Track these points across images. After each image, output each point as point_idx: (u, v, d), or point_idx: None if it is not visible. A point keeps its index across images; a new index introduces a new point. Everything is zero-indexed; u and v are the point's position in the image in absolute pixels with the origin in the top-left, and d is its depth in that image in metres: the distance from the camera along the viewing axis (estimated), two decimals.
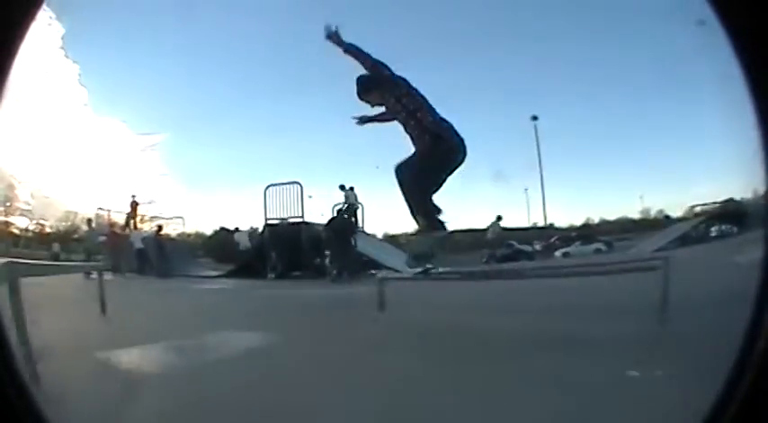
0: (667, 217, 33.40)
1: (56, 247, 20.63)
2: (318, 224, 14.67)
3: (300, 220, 14.77)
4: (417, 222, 4.46)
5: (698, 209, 29.20)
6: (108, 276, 13.69)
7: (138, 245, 16.00)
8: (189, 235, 18.65)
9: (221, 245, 26.22)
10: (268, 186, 15.19)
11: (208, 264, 21.13)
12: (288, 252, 14.06)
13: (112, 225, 17.81)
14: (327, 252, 14.05)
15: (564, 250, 23.21)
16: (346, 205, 14.75)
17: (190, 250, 20.47)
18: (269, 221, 15.13)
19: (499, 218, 19.34)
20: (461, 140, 4.50)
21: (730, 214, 15.88)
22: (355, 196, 14.99)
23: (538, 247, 26.03)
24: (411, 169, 4.49)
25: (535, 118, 26.18)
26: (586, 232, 26.53)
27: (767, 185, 0.94)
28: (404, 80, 4.61)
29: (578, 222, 30.78)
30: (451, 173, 4.66)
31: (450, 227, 4.75)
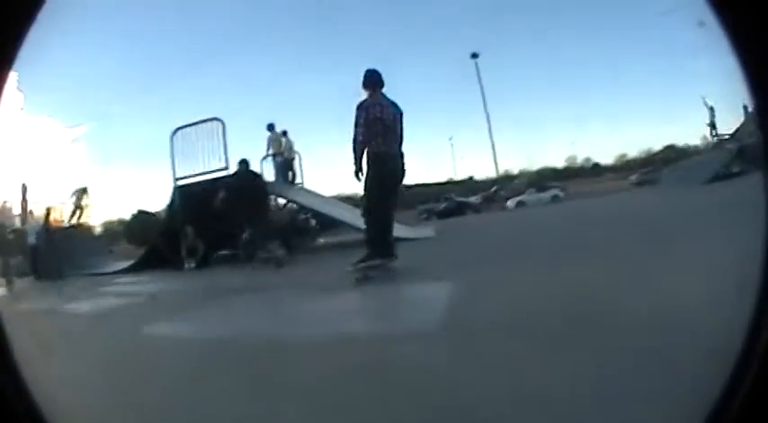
0: (596, 164, 33.17)
1: None
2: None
3: (225, 171, 10.29)
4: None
5: (629, 156, 29.10)
6: None
7: (32, 240, 12.79)
8: (111, 222, 15.35)
9: (140, 230, 23.77)
10: (176, 130, 10.81)
11: (125, 251, 18.05)
12: (210, 224, 9.36)
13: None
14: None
15: (518, 199, 21.58)
16: (273, 153, 11.56)
17: (106, 238, 16.84)
18: (179, 182, 10.68)
19: None
20: (402, 164, 5.29)
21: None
22: (291, 143, 11.58)
23: (473, 199, 24.46)
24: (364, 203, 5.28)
25: (475, 56, 23.68)
26: (533, 181, 25.28)
27: (766, 186, 0.95)
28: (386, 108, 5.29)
29: (494, 174, 28.82)
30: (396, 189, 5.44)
31: None
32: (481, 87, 21.51)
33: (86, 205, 15.15)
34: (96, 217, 16.91)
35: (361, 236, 8.60)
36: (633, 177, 21.31)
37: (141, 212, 26.58)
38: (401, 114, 5.35)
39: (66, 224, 14.42)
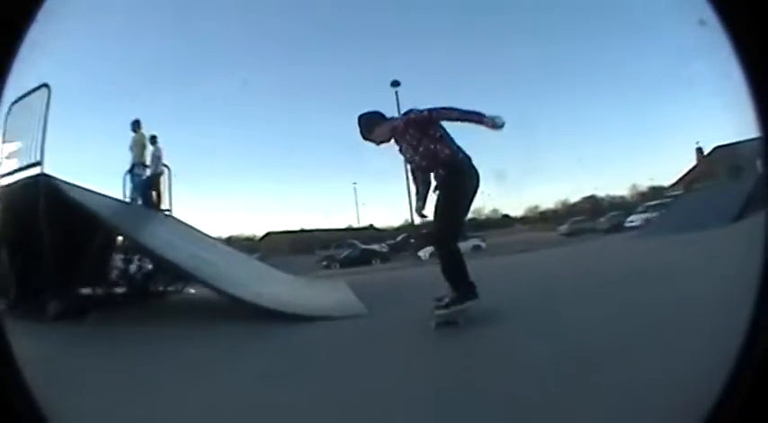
0: (506, 216, 32.73)
1: None
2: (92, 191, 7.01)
3: (38, 170, 5.99)
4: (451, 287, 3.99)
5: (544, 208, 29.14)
6: None
7: None
8: None
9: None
10: (10, 107, 5.61)
11: None
12: (13, 251, 5.71)
13: None
14: None
15: (431, 249, 19.49)
16: (133, 164, 8.49)
17: None
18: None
19: None
20: (474, 167, 4.19)
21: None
22: (159, 153, 8.82)
23: (377, 247, 22.49)
24: (440, 229, 4.04)
25: (396, 84, 21.11)
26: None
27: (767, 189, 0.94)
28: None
29: (397, 223, 26.58)
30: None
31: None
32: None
33: None
34: None
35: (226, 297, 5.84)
36: (563, 227, 20.85)
37: None
38: None
39: None
